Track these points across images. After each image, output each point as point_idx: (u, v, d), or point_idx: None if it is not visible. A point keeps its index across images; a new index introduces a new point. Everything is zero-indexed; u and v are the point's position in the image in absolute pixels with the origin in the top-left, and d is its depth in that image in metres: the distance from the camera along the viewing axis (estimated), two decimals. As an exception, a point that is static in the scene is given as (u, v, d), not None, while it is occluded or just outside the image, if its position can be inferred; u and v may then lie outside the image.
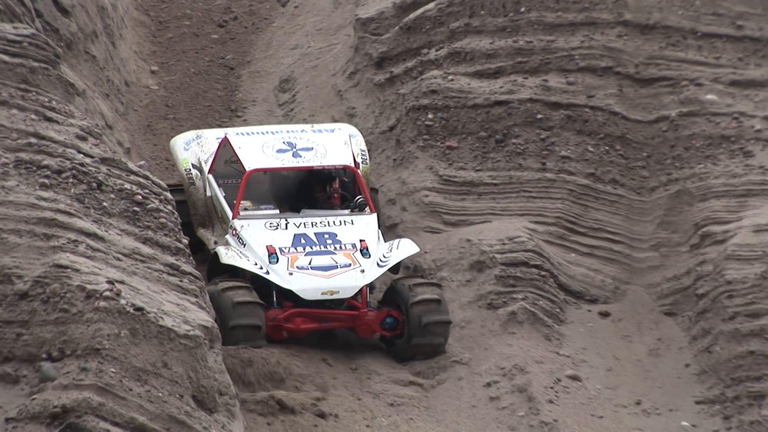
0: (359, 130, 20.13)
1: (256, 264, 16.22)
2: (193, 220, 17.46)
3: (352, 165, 17.20)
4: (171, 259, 14.62)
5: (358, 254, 16.56)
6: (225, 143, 17.42)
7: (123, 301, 13.40)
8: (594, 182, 18.94)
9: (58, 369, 13.08)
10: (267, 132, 18.01)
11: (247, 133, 17.92)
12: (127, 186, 14.95)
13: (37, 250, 13.74)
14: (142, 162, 16.83)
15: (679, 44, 20.01)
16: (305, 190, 17.46)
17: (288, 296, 16.16)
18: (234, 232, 16.67)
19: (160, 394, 13.31)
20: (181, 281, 14.58)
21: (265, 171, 17.19)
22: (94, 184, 14.70)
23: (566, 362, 17.22)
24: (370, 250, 16.58)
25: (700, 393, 16.82)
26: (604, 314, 18.02)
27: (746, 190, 18.51)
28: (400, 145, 19.78)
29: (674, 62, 19.84)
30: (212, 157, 17.58)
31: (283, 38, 23.26)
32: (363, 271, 16.28)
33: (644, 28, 19.89)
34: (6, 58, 15.41)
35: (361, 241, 16.63)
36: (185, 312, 13.99)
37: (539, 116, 19.24)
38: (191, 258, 15.54)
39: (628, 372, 17.45)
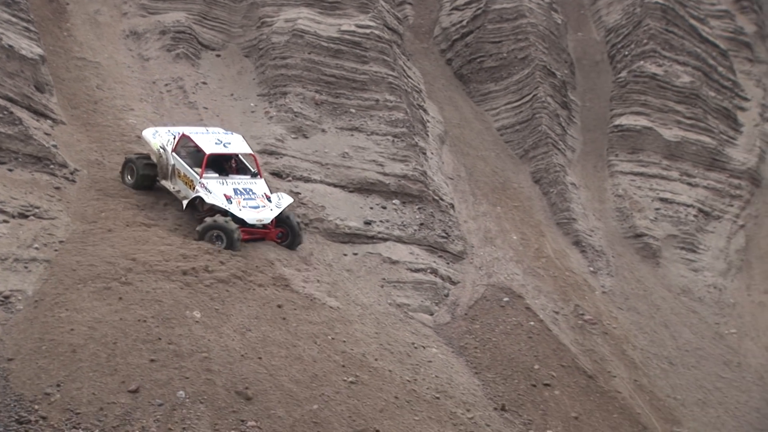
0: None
1: (221, 203, 20.07)
2: (159, 175, 21.28)
3: (253, 153, 21.52)
4: (25, 24, 22.99)
5: (265, 200, 20.58)
6: (184, 137, 21.07)
7: (2, 42, 21.81)
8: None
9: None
10: (205, 132, 21.42)
11: (197, 132, 21.32)
12: (10, -3, 22.89)
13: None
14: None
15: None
16: (219, 164, 21.18)
17: (237, 221, 20.06)
18: (203, 186, 20.34)
19: (20, 84, 21.30)
20: (30, 35, 22.96)
21: (217, 155, 20.85)
22: (-6, -5, 22.39)
23: (199, 77, 26.54)
24: (270, 199, 20.68)
25: (262, 92, 25.53)
26: (218, 55, 27.52)
27: (279, 5, 27.48)
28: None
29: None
30: (173, 144, 21.09)
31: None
32: (271, 210, 20.48)
33: None
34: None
35: (264, 193, 20.80)
36: (32, 48, 22.68)
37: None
38: (34, 24, 22.97)
39: (228, 85, 26.38)
